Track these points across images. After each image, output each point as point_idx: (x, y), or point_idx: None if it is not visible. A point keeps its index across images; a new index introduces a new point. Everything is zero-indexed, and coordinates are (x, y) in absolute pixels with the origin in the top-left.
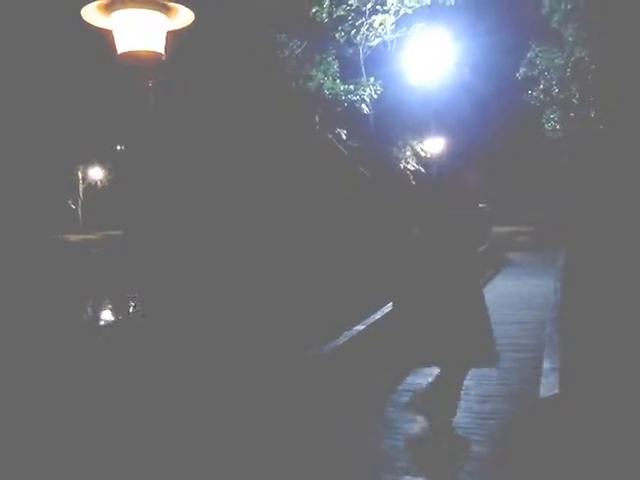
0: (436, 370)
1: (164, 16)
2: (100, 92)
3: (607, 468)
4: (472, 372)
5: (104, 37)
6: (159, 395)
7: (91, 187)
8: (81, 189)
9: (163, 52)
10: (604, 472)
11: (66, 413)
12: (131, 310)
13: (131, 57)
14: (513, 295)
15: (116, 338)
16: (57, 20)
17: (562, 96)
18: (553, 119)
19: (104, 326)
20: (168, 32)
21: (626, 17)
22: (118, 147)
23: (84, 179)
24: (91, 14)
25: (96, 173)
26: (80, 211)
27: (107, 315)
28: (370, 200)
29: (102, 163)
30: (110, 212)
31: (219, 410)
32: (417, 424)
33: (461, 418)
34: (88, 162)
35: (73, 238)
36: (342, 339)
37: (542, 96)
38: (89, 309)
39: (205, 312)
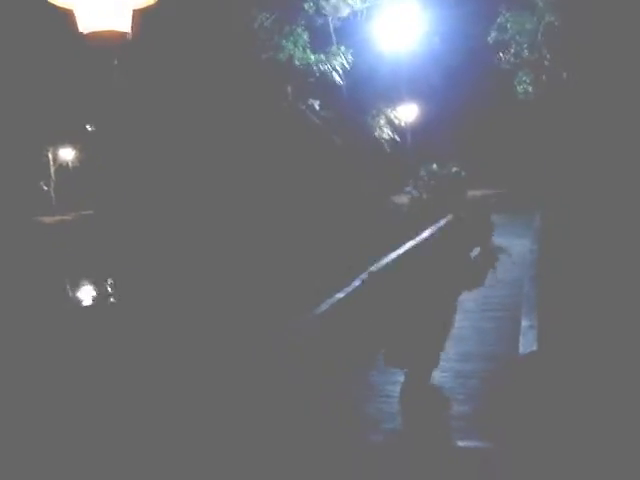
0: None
1: None
2: (69, 72)
3: (582, 421)
4: (452, 333)
5: (68, 15)
6: (140, 376)
7: (62, 168)
8: (53, 170)
9: (129, 31)
10: (580, 426)
11: (45, 403)
12: (108, 292)
13: (95, 37)
14: None
15: (94, 322)
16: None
17: (533, 59)
18: (525, 82)
19: (81, 309)
20: (134, 10)
21: None
22: (88, 127)
23: (55, 160)
24: None
25: (67, 154)
26: (52, 192)
27: (83, 298)
28: (345, 169)
29: (73, 143)
30: (82, 192)
31: (208, 383)
32: (399, 387)
33: (442, 378)
34: (58, 143)
35: (47, 220)
36: (324, 306)
37: (513, 59)
38: (66, 291)
39: (183, 288)
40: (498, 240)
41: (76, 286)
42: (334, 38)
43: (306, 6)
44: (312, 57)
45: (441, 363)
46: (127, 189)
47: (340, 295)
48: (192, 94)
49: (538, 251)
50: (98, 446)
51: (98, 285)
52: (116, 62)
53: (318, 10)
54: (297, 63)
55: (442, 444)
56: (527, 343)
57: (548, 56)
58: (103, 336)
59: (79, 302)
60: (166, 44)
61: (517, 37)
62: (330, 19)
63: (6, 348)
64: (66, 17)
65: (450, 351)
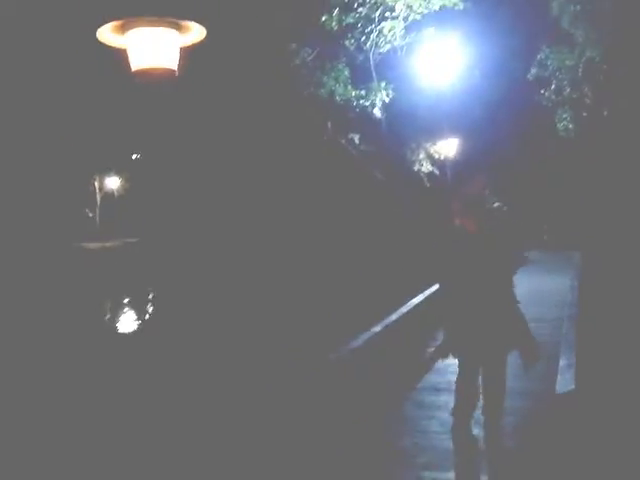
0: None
1: (176, 33)
2: (116, 104)
3: (621, 464)
4: None
5: (119, 51)
6: (182, 399)
7: (108, 196)
8: (99, 198)
9: (176, 68)
10: (618, 468)
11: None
12: (148, 316)
13: (145, 74)
14: (532, 292)
15: (133, 342)
16: (74, 34)
17: (574, 96)
18: (565, 119)
19: (121, 332)
20: (181, 48)
21: (636, 16)
22: (134, 156)
23: (101, 188)
24: (106, 34)
25: (113, 182)
26: (98, 219)
27: (125, 320)
28: (385, 203)
29: (119, 172)
30: (127, 220)
31: (242, 412)
32: (435, 421)
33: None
34: (105, 171)
35: (92, 246)
36: (359, 341)
37: (554, 96)
38: (107, 314)
39: (223, 316)
40: (539, 277)
41: (114, 309)
42: (374, 74)
43: (347, 42)
44: (353, 93)
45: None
46: (172, 218)
47: (377, 329)
48: (236, 129)
49: (578, 289)
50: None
51: (137, 309)
52: (164, 98)
53: (359, 46)
54: (338, 99)
55: None
56: (564, 382)
57: (589, 93)
58: (134, 361)
59: (114, 326)
60: (211, 80)
61: (557, 74)
62: (371, 55)
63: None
64: (115, 51)
65: None
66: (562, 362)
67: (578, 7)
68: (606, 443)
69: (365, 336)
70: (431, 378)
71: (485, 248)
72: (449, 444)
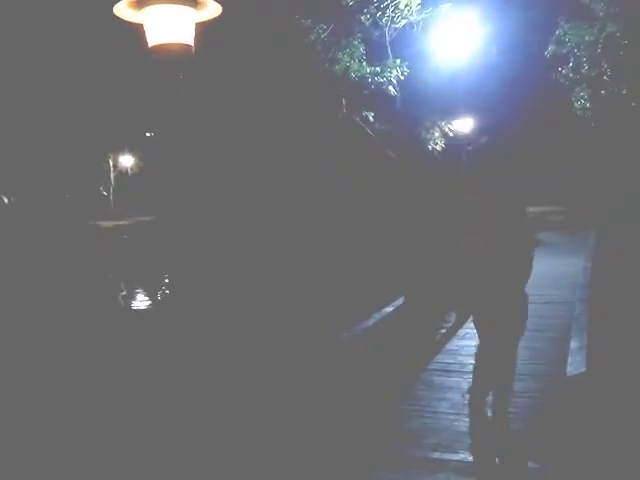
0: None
1: (192, 9)
2: (131, 81)
3: (630, 446)
4: None
5: (135, 29)
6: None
7: (122, 174)
8: (112, 176)
9: (192, 44)
10: (629, 449)
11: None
12: (160, 295)
13: (162, 50)
14: (543, 275)
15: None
16: (90, 9)
17: (593, 74)
18: (583, 97)
19: (136, 311)
20: (197, 24)
21: None
22: (148, 134)
23: (115, 166)
24: (123, 10)
25: (127, 160)
26: (112, 198)
27: (139, 299)
28: (399, 182)
29: (132, 150)
30: (140, 198)
31: (260, 388)
32: (446, 402)
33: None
34: (119, 150)
35: (105, 224)
36: (372, 321)
37: (572, 74)
38: (122, 293)
39: (237, 298)
40: (551, 258)
41: (125, 288)
42: (390, 50)
43: (363, 18)
44: (368, 70)
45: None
46: (186, 197)
47: (389, 309)
48: (251, 105)
49: (591, 271)
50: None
51: (149, 289)
52: (181, 76)
53: (374, 22)
54: (353, 75)
55: (487, 462)
56: (576, 364)
57: (608, 71)
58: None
59: (127, 304)
60: (226, 56)
61: (576, 50)
62: (386, 31)
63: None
64: (131, 29)
65: None
66: (573, 344)
67: None
68: (616, 425)
69: (377, 316)
70: (442, 359)
71: (495, 221)
72: (459, 425)
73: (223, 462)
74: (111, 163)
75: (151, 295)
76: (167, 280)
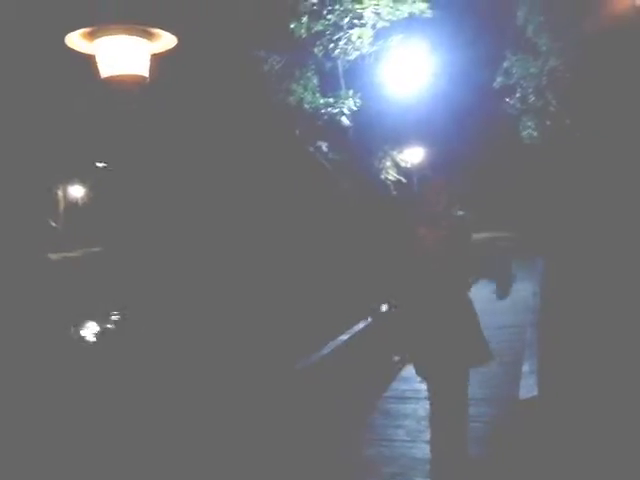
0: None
1: (147, 41)
2: (82, 111)
3: (582, 466)
4: None
5: (88, 58)
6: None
7: (72, 205)
8: (62, 207)
9: (147, 75)
10: (580, 470)
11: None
12: (113, 325)
13: (115, 81)
14: (493, 300)
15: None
16: (40, 39)
17: (538, 104)
18: (530, 126)
19: (86, 341)
20: (152, 55)
21: (597, 26)
22: (99, 165)
23: (65, 197)
24: (75, 41)
25: (77, 191)
26: (61, 229)
27: (89, 330)
28: (351, 211)
29: (83, 181)
30: (91, 229)
31: (209, 421)
32: (402, 430)
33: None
34: (69, 180)
35: (54, 256)
36: (327, 349)
37: (519, 104)
38: (72, 325)
39: (190, 325)
40: None
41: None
42: (342, 81)
43: (316, 50)
44: (321, 101)
45: None
46: (137, 227)
47: (344, 337)
48: (204, 136)
49: (540, 295)
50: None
51: (98, 321)
52: (134, 106)
53: (327, 53)
54: (306, 106)
55: None
56: (528, 387)
57: (553, 102)
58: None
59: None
60: (180, 87)
61: (522, 82)
62: (339, 62)
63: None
64: (84, 61)
65: None
66: (525, 368)
67: (542, 17)
68: (568, 447)
69: (333, 344)
70: (398, 386)
71: (442, 261)
72: (415, 452)
73: None
74: (60, 194)
75: (100, 327)
76: (116, 312)
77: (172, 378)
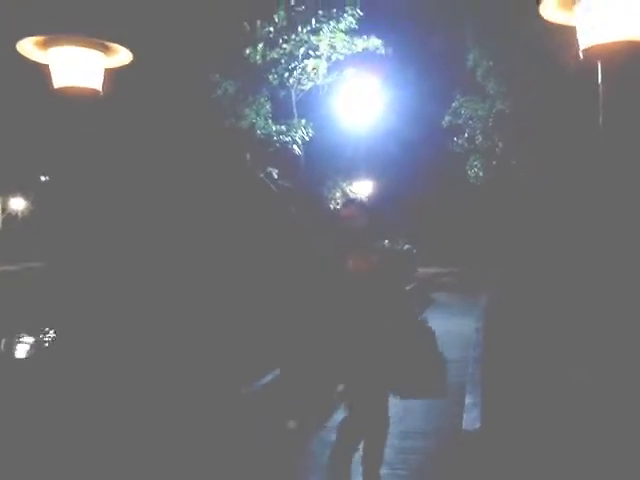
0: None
1: (102, 54)
2: (27, 121)
3: None
4: (395, 408)
5: (38, 67)
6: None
7: (11, 217)
8: (0, 219)
9: (100, 89)
10: None
11: None
12: (47, 344)
13: (68, 92)
14: (437, 334)
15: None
16: None
17: (485, 145)
18: (476, 166)
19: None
20: (106, 70)
21: (542, 72)
22: (42, 178)
23: (4, 209)
24: (27, 48)
25: (17, 203)
26: None
27: (21, 348)
28: (300, 238)
29: (25, 194)
30: (31, 244)
31: (146, 447)
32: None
33: (385, 454)
34: (9, 192)
35: None
36: (268, 377)
37: (466, 144)
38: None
39: (128, 347)
40: (445, 319)
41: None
42: (295, 110)
43: (270, 77)
44: (273, 127)
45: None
46: (78, 243)
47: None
48: (152, 153)
49: (483, 331)
50: None
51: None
52: (86, 119)
53: (282, 82)
54: (258, 132)
55: None
56: (470, 420)
57: (499, 143)
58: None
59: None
60: (130, 104)
61: (470, 122)
62: (293, 91)
63: None
64: (32, 70)
65: (393, 429)
66: (468, 400)
67: (491, 62)
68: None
69: (276, 372)
70: (340, 417)
71: (367, 288)
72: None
73: None
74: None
75: (35, 344)
76: (52, 329)
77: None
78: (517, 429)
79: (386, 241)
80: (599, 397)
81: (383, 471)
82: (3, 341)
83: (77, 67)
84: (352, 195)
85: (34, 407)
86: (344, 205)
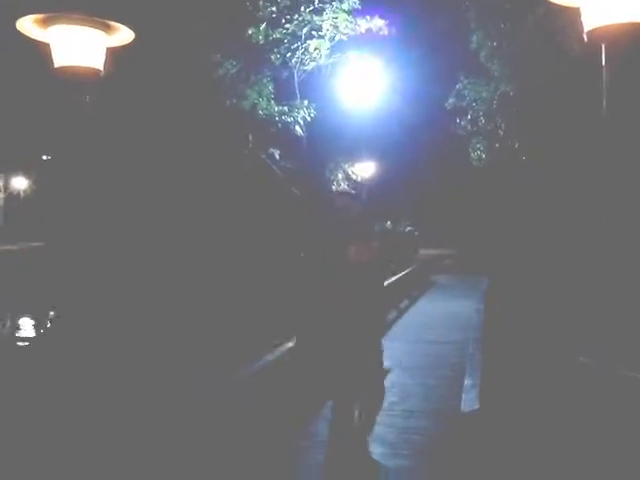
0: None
1: (104, 33)
2: (29, 100)
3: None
4: (398, 389)
5: (37, 47)
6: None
7: (12, 197)
8: (2, 198)
9: (102, 69)
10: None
11: None
12: (49, 324)
13: (69, 72)
14: (438, 316)
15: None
16: None
17: (488, 127)
18: (479, 148)
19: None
20: (108, 49)
21: (546, 55)
22: (44, 157)
23: (6, 188)
24: (27, 26)
25: (20, 182)
26: (1, 221)
27: (25, 328)
28: (302, 220)
29: (27, 173)
30: (33, 223)
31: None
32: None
33: (387, 434)
34: (11, 171)
35: None
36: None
37: (469, 126)
38: (7, 322)
39: (128, 329)
40: (446, 300)
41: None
42: (298, 91)
43: (273, 57)
44: (276, 108)
45: (385, 419)
46: (81, 223)
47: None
48: (154, 135)
49: (484, 312)
50: None
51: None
52: (88, 99)
53: (284, 62)
54: (260, 113)
55: None
56: (469, 401)
57: (502, 126)
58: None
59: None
60: (135, 82)
61: (474, 104)
62: (295, 72)
63: None
64: (33, 48)
65: (395, 408)
66: (467, 382)
67: (494, 44)
68: (508, 459)
69: (280, 350)
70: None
71: (360, 278)
72: None
73: None
74: (1, 184)
75: (38, 325)
76: (55, 310)
77: (102, 380)
78: (515, 411)
79: (388, 222)
80: (598, 379)
81: (385, 451)
82: (6, 324)
83: (78, 46)
84: (340, 188)
85: (35, 389)
86: (337, 197)
